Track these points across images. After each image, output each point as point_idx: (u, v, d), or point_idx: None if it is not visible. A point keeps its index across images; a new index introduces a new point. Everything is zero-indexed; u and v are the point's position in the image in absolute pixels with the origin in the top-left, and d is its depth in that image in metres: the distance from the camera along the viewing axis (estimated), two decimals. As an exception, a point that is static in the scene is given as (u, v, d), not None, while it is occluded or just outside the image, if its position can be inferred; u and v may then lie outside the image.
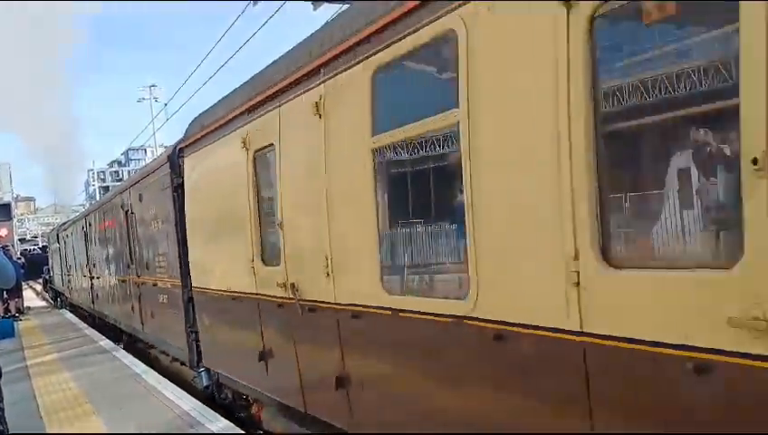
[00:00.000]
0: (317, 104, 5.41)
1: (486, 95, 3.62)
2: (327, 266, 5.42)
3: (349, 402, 5.39)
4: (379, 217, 4.81)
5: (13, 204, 64.39)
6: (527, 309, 3.45)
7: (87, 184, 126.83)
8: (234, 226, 7.45)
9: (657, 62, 2.90)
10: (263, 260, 6.88)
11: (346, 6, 6.72)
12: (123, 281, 15.58)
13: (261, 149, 6.68)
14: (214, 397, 9.86)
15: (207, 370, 9.88)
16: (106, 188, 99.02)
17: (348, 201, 5.13)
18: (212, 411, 8.30)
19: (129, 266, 14.67)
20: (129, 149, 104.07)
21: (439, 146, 4.82)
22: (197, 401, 8.88)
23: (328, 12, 8.87)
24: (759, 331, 2.35)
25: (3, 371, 6.12)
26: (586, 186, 3.04)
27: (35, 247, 56.60)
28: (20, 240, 62.84)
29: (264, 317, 6.91)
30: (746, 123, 2.35)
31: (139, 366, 12.16)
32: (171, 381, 10.71)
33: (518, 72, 3.41)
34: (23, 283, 28.81)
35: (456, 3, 3.79)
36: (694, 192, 3.01)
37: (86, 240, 21.50)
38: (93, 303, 21.34)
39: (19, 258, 29.06)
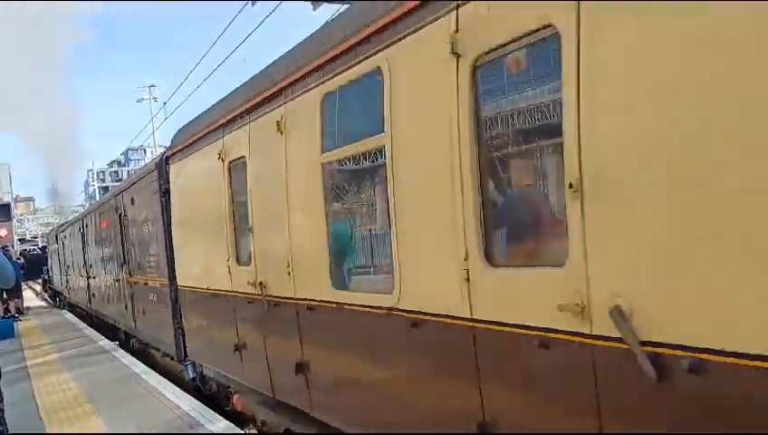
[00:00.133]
0: (279, 123, 6.15)
1: (402, 124, 4.37)
2: (288, 266, 6.16)
3: (307, 385, 6.13)
4: (328, 223, 5.55)
5: (12, 204, 64.89)
6: (434, 301, 4.19)
7: (86, 184, 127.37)
8: (212, 229, 8.19)
9: (521, 100, 3.63)
10: (237, 261, 7.62)
11: (346, 6, 6.87)
12: (117, 280, 16.33)
13: (234, 161, 7.43)
14: (199, 389, 10.62)
15: (193, 363, 10.65)
16: (106, 189, 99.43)
17: (303, 209, 5.87)
18: (212, 412, 8.40)
19: (122, 267, 15.43)
20: (129, 149, 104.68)
21: (374, 163, 5.55)
22: (198, 402, 8.98)
23: (328, 12, 9.18)
24: (579, 314, 3.09)
25: (2, 371, 6.20)
26: (472, 201, 3.77)
27: (35, 248, 56.90)
28: (19, 240, 63.13)
29: (238, 312, 7.65)
30: (566, 155, 3.08)
31: (139, 366, 12.35)
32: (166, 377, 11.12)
33: (424, 107, 4.15)
34: (22, 283, 29.39)
35: (383, 45, 4.53)
36: (543, 208, 3.72)
37: (83, 241, 22.27)
38: (90, 302, 22.09)
39: (18, 258, 29.31)
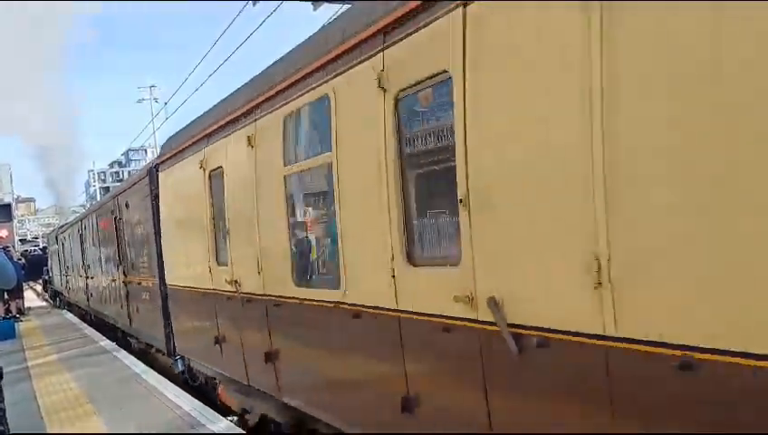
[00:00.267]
0: (249, 138, 6.90)
1: (345, 144, 5.12)
2: (258, 265, 6.91)
3: (275, 372, 6.87)
4: (289, 228, 6.30)
5: (13, 205, 65.37)
6: (370, 296, 4.94)
7: (87, 185, 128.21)
8: (196, 232, 8.95)
9: (430, 129, 4.37)
10: (217, 261, 8.38)
11: (347, 6, 7.17)
12: (113, 280, 17.09)
13: (214, 170, 8.18)
14: (187, 381, 11.38)
15: (182, 357, 11.42)
16: (106, 189, 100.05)
17: (269, 216, 6.62)
18: (212, 412, 8.45)
19: (117, 267, 16.19)
20: (130, 149, 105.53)
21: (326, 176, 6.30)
22: (198, 402, 9.05)
23: (328, 12, 9.57)
24: (468, 304, 3.84)
25: (4, 371, 6.25)
26: (397, 212, 4.52)
27: (36, 248, 57.05)
28: (20, 241, 63.56)
29: (218, 308, 8.41)
30: (458, 174, 3.83)
31: (140, 366, 12.41)
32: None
33: (360, 131, 4.89)
34: (23, 283, 29.85)
35: (330, 76, 5.28)
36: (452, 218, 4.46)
37: (81, 242, 23.03)
38: (89, 301, 22.85)
39: (20, 259, 29.59)
